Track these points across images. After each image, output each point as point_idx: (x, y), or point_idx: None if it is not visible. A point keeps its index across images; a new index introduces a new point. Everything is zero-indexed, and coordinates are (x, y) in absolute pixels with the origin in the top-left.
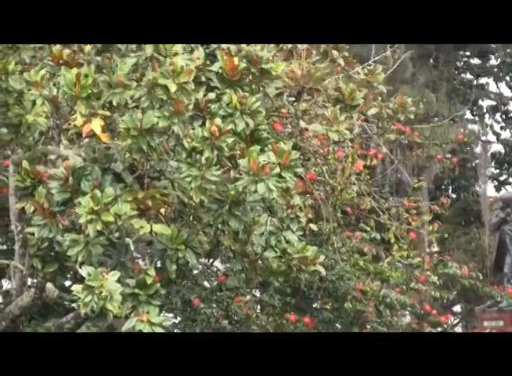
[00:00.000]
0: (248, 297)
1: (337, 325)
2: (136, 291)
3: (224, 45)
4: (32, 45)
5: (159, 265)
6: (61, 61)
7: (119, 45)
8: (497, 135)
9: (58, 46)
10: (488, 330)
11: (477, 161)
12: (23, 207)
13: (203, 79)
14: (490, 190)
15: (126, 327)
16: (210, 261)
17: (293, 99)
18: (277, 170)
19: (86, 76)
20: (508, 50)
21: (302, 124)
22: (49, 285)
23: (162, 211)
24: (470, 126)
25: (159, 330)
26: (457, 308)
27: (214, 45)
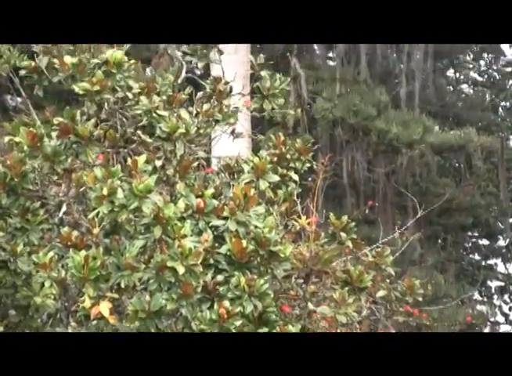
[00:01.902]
0: None
1: None
2: None
3: (232, 228)
4: (40, 227)
5: None
6: (69, 243)
7: (127, 227)
8: (506, 315)
9: (66, 228)
10: None
11: None
12: None
13: (212, 261)
14: None
15: None
16: None
17: (302, 281)
18: None
19: (94, 258)
20: None
21: (310, 306)
22: None
23: None
24: (478, 307)
25: None
26: None
27: (221, 228)
